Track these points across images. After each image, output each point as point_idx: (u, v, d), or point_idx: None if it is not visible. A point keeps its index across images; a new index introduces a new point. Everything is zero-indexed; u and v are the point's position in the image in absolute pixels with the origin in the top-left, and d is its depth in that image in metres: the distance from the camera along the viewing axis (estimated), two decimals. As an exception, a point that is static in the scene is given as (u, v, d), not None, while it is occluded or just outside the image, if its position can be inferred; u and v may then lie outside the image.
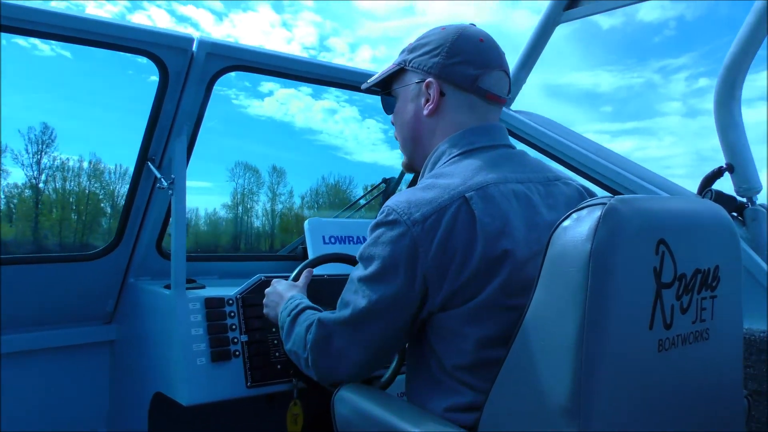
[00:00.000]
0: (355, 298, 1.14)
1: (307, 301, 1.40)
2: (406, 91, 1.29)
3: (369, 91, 1.48)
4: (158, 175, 1.80)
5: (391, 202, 1.12)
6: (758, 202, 1.86)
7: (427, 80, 1.24)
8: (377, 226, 1.12)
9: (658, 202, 1.00)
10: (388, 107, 1.36)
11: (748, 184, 1.83)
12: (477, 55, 1.22)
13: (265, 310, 1.58)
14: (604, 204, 0.88)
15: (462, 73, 1.21)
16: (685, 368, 0.98)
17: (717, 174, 1.87)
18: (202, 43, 1.74)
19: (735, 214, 1.86)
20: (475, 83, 1.22)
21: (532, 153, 1.68)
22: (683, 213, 1.02)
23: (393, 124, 1.36)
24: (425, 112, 1.25)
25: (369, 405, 1.11)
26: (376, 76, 1.36)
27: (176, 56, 1.73)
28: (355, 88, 2.17)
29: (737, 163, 1.82)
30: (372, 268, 1.11)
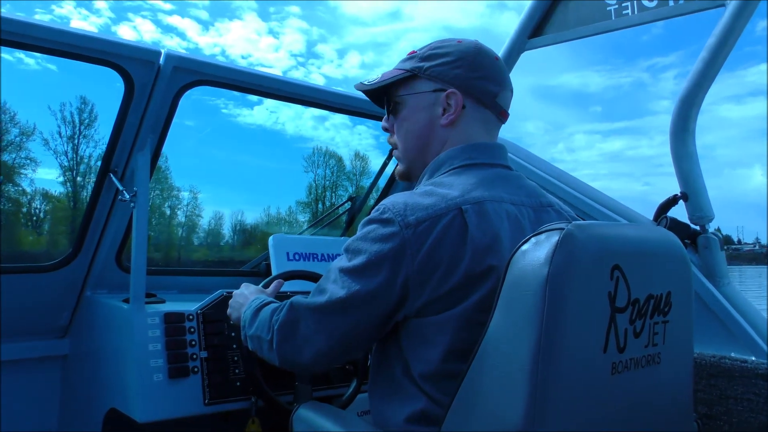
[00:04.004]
0: (333, 287, 1.13)
1: (273, 300, 1.36)
2: (417, 98, 1.26)
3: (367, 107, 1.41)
4: (120, 187, 1.78)
5: (388, 201, 1.12)
6: (711, 230, 1.92)
7: (449, 90, 1.22)
8: (370, 221, 1.12)
9: (613, 229, 1.03)
10: (388, 112, 1.31)
11: (701, 213, 1.89)
12: (496, 73, 1.24)
13: (228, 311, 1.54)
14: (562, 229, 0.91)
15: (485, 88, 1.23)
16: (637, 391, 1.01)
17: (672, 202, 1.93)
18: (170, 57, 1.73)
19: (688, 241, 1.91)
20: (494, 100, 1.24)
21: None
22: (637, 240, 1.05)
23: (385, 129, 1.34)
24: (443, 121, 1.23)
25: (327, 424, 1.11)
26: (380, 78, 1.30)
27: (143, 69, 1.71)
28: (325, 106, 2.18)
29: (691, 192, 1.89)
30: (356, 261, 1.10)
